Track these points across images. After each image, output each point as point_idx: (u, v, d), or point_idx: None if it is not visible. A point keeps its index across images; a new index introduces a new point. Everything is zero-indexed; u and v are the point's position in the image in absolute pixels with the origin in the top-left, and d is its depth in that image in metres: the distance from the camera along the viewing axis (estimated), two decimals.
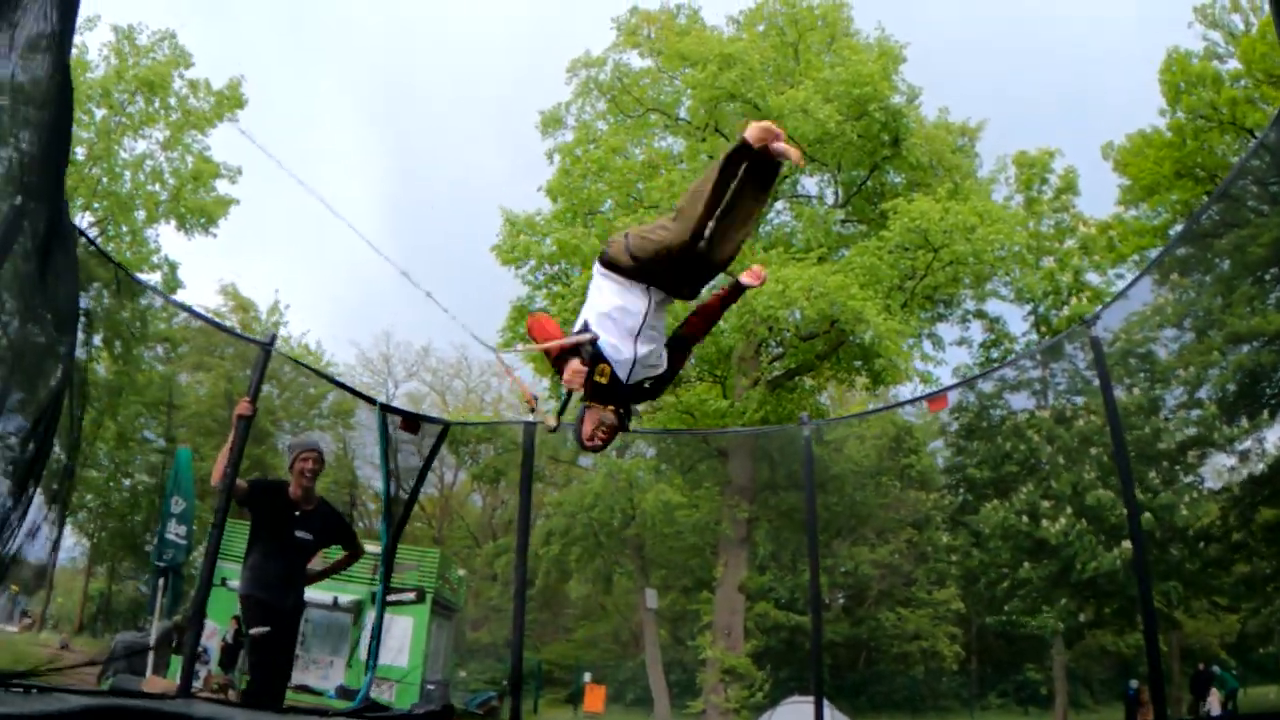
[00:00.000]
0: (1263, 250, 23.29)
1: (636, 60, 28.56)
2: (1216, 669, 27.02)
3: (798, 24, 26.83)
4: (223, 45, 66.31)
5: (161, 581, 14.96)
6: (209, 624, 18.63)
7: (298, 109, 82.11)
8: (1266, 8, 23.28)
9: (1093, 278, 30.15)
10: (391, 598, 10.04)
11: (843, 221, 27.68)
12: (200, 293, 73.67)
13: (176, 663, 16.89)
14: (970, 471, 31.15)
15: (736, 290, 5.02)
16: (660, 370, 4.58)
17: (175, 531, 15.08)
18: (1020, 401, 30.63)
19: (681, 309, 5.71)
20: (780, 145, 4.37)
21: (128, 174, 26.68)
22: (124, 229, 26.53)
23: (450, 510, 47.09)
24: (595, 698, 30.84)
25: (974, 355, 31.01)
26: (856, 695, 33.76)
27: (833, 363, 26.22)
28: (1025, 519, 27.98)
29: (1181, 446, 26.87)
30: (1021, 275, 26.64)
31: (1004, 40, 76.69)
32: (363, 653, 19.38)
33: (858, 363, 25.79)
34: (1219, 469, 27.53)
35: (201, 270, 79.97)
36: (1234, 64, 25.81)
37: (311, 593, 7.47)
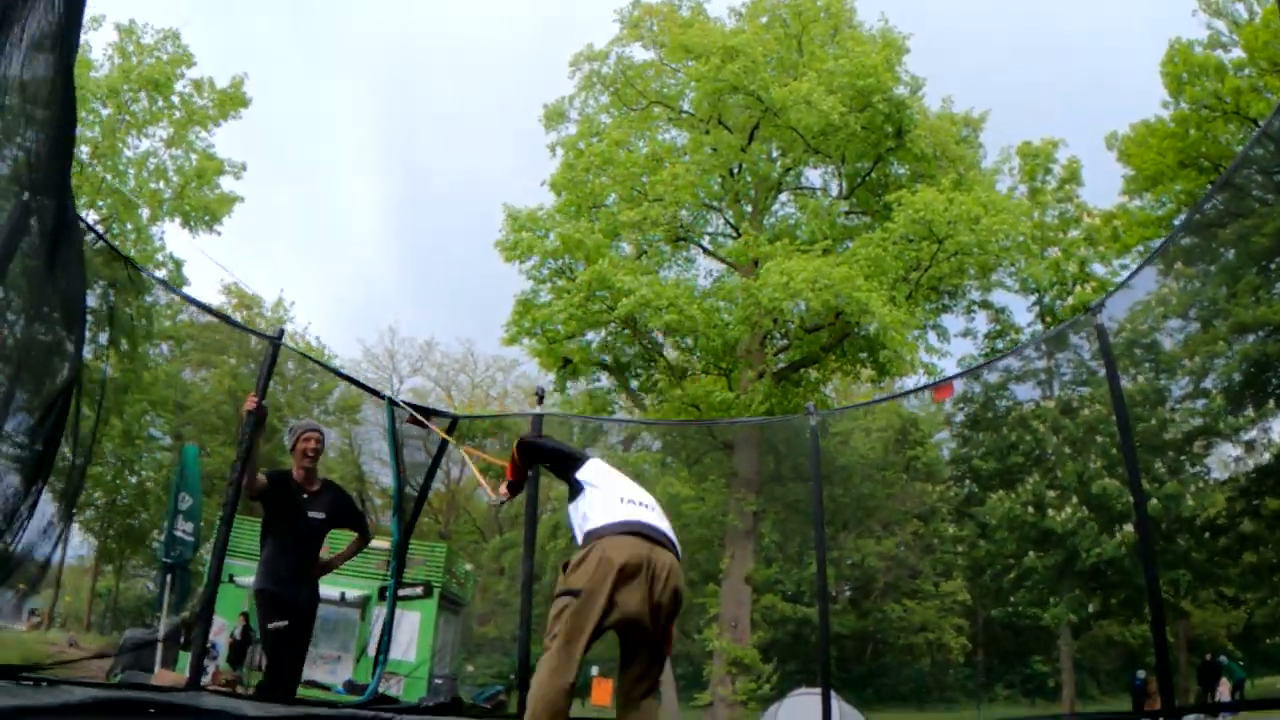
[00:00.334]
0: (1267, 240, 23.27)
1: (640, 53, 28.55)
2: (1224, 659, 27.01)
3: (801, 16, 26.78)
4: (227, 42, 66.35)
5: (169, 578, 14.98)
6: (217, 620, 18.72)
7: (302, 105, 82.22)
8: None
9: (1097, 268, 30.16)
10: (399, 592, 10.05)
11: (847, 213, 27.64)
12: (204, 290, 73.78)
13: (185, 658, 16.97)
14: (976, 463, 31.17)
15: None
16: None
17: (182, 528, 15.11)
18: (1026, 392, 30.68)
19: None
20: None
21: (131, 172, 26.73)
22: (128, 227, 26.57)
23: (457, 505, 47.14)
24: (603, 691, 30.76)
25: (979, 346, 31.02)
26: (863, 687, 33.78)
27: (838, 355, 26.20)
28: (1031, 509, 27.98)
29: (1187, 436, 26.87)
30: (1026, 265, 26.62)
31: (1006, 31, 76.51)
32: (371, 647, 19.46)
33: (863, 355, 25.76)
34: (1225, 459, 27.54)
35: (206, 268, 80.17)
36: (1238, 53, 25.72)
37: (319, 588, 7.48)
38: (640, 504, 4.63)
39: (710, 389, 25.24)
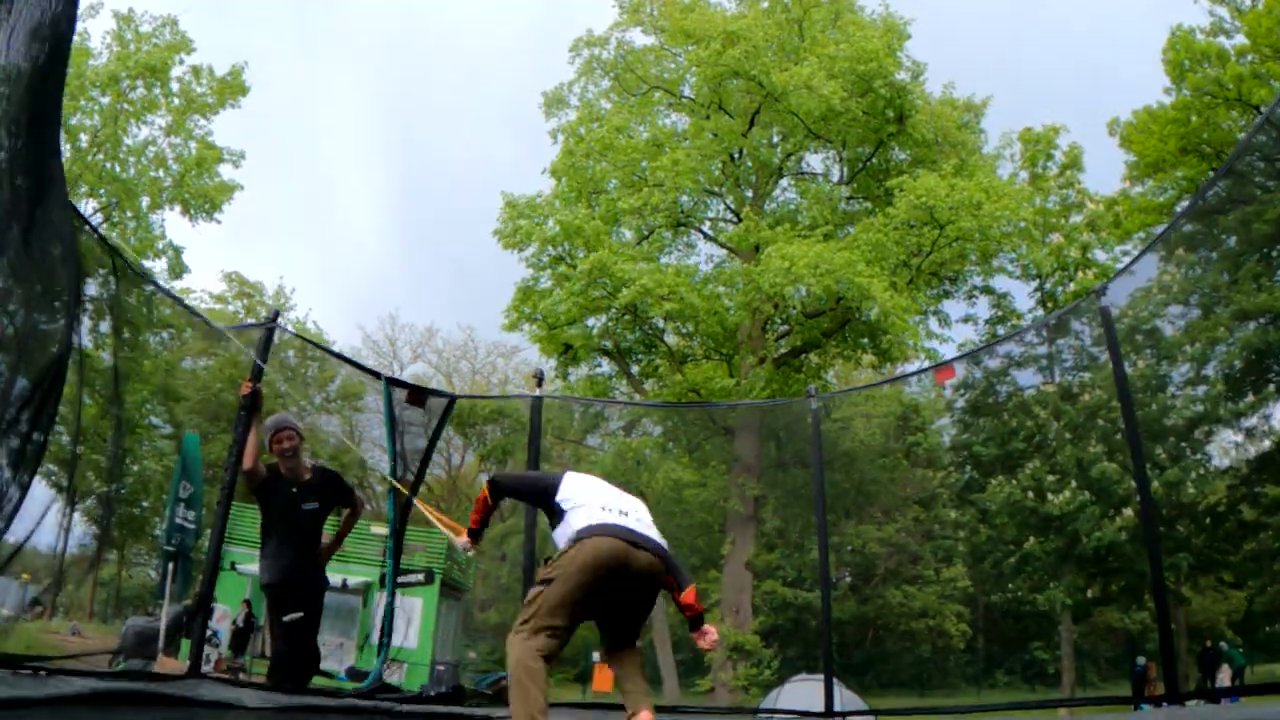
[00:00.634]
0: (1268, 226, 23.24)
1: (640, 38, 28.50)
2: (1224, 645, 27.07)
3: (801, 0, 26.70)
4: (226, 30, 66.19)
5: (171, 566, 14.97)
6: (219, 607, 18.74)
7: (301, 93, 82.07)
8: None
9: (1099, 254, 30.12)
10: (400, 579, 10.03)
11: (848, 198, 27.62)
12: (205, 278, 73.85)
13: (188, 646, 16.99)
14: (977, 448, 31.17)
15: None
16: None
17: (184, 516, 15.09)
18: (1027, 378, 30.64)
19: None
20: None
21: (131, 160, 26.70)
22: (128, 214, 26.54)
23: (458, 491, 47.18)
24: (604, 677, 30.88)
25: (980, 332, 30.99)
26: (863, 673, 33.82)
27: (838, 340, 26.21)
28: (1031, 495, 27.99)
29: (1189, 423, 26.86)
30: (1028, 251, 26.59)
31: (1008, 16, 76.26)
32: (373, 634, 19.48)
33: (864, 340, 25.77)
34: (1225, 446, 27.55)
35: (207, 255, 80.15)
36: (1240, 39, 25.66)
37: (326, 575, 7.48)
38: (621, 512, 4.68)
39: (711, 375, 25.24)
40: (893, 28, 26.49)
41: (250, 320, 38.15)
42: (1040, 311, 30.67)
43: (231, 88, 27.44)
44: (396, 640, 9.39)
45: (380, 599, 17.66)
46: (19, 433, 4.63)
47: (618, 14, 28.24)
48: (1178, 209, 26.85)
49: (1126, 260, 27.72)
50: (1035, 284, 30.77)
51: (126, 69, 25.62)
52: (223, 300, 39.57)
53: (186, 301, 30.36)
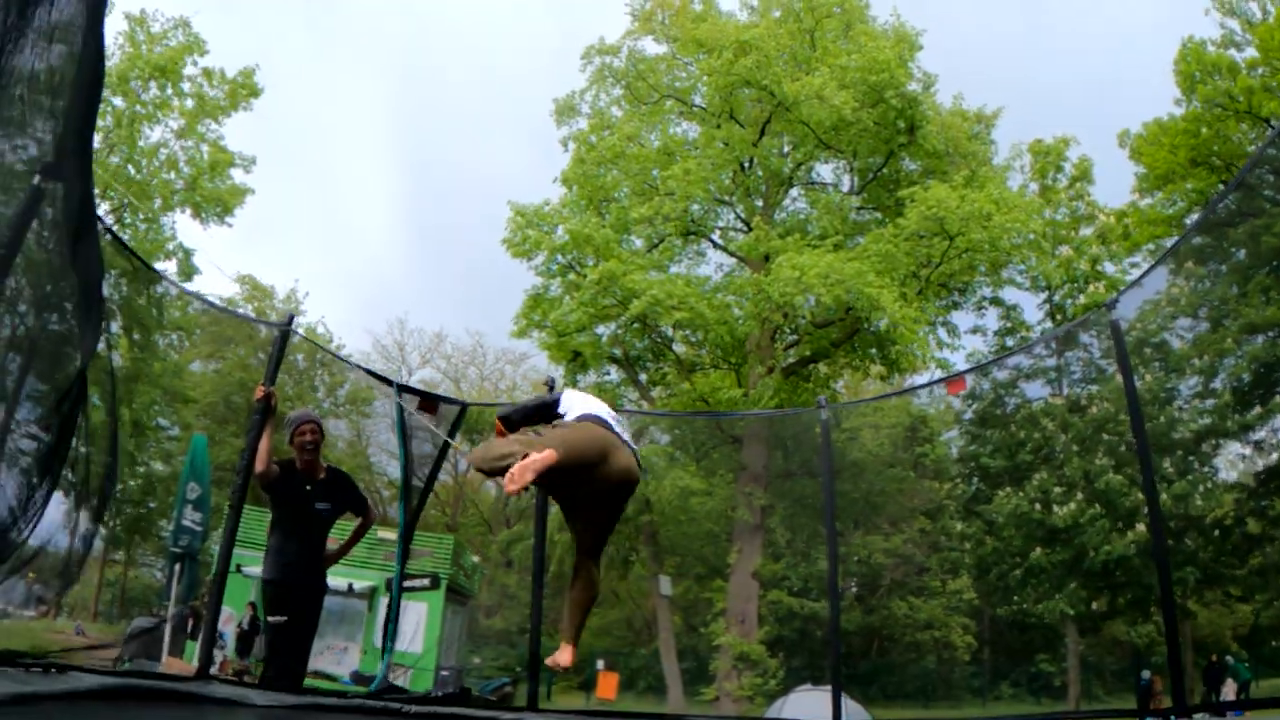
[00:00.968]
0: (1277, 240, 23.18)
1: (651, 46, 28.58)
2: (1230, 659, 26.96)
3: (814, 10, 26.74)
4: (238, 33, 66.30)
5: (177, 567, 15.02)
6: (225, 609, 18.76)
7: (313, 97, 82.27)
8: None
9: (1108, 267, 30.09)
10: (406, 584, 10.05)
11: (858, 209, 27.64)
12: (217, 281, 73.92)
13: (192, 647, 17.02)
14: (984, 460, 31.11)
15: None
16: None
17: (191, 517, 15.14)
18: (1035, 390, 30.58)
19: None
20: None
21: (143, 161, 26.78)
22: (140, 217, 26.63)
23: (464, 497, 47.18)
24: (608, 685, 30.87)
25: (989, 344, 30.96)
26: (869, 684, 33.71)
27: (847, 350, 26.21)
28: (1038, 506, 27.93)
29: (1197, 436, 26.79)
30: (1038, 263, 26.59)
31: (1019, 28, 76.22)
32: (377, 638, 19.50)
33: (872, 350, 25.78)
34: (1232, 459, 27.46)
35: (218, 258, 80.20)
36: (1250, 52, 25.63)
37: (327, 578, 7.47)
38: (615, 420, 5.01)
39: (719, 385, 25.25)
40: (904, 38, 26.53)
41: (262, 326, 38.34)
42: (1049, 324, 30.63)
43: (243, 89, 27.50)
44: (402, 645, 9.42)
45: (385, 603, 17.66)
46: (40, 440, 4.67)
47: (630, 22, 28.34)
48: (1187, 221, 26.82)
49: (1135, 273, 27.71)
50: (1044, 296, 30.75)
51: (137, 69, 25.70)
52: (234, 303, 39.69)
53: (196, 304, 30.59)
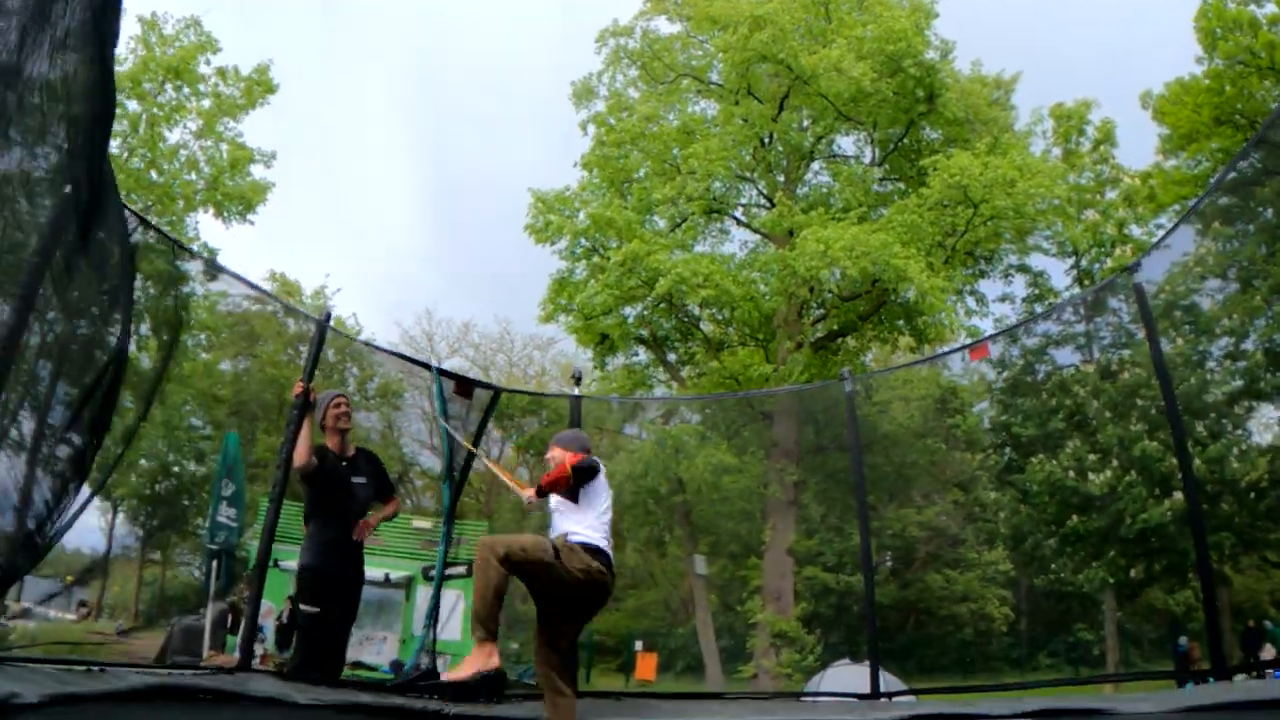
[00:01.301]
0: None
1: (665, 25, 28.47)
2: (1268, 624, 26.72)
3: None
4: (253, 29, 66.52)
5: (215, 564, 15.16)
6: (264, 603, 18.89)
7: (331, 91, 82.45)
8: None
9: (1134, 229, 29.78)
10: (445, 571, 10.11)
11: (881, 180, 27.46)
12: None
13: (232, 643, 17.16)
14: (1016, 429, 30.91)
15: None
16: None
17: (226, 514, 15.28)
18: (1065, 357, 30.32)
19: None
20: None
21: (164, 164, 26.85)
22: (166, 219, 26.71)
23: (498, 483, 47.29)
24: (647, 665, 31.00)
25: (1017, 311, 30.73)
26: (905, 658, 33.66)
27: (875, 323, 26.09)
28: (1072, 474, 27.72)
29: (1229, 398, 26.50)
30: (1064, 228, 26.34)
31: None
32: (415, 627, 19.56)
33: (900, 322, 25.66)
34: (1267, 421, 27.15)
35: (241, 257, 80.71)
36: (1271, 8, 25.25)
37: (364, 567, 7.49)
38: (607, 534, 5.91)
39: (748, 362, 25.18)
40: (920, 7, 26.30)
41: (291, 322, 38.50)
42: (1077, 289, 30.36)
43: (259, 86, 27.49)
44: (440, 633, 9.46)
45: (423, 592, 17.72)
46: (71, 442, 4.68)
47: (642, 2, 28.21)
48: (1213, 181, 26.51)
49: (1160, 234, 27.43)
50: (1071, 261, 30.46)
51: (149, 71, 25.73)
52: (261, 301, 39.83)
53: (231, 301, 30.74)
